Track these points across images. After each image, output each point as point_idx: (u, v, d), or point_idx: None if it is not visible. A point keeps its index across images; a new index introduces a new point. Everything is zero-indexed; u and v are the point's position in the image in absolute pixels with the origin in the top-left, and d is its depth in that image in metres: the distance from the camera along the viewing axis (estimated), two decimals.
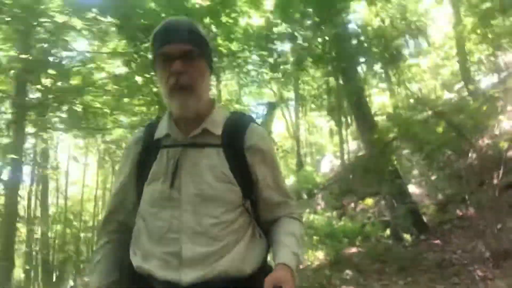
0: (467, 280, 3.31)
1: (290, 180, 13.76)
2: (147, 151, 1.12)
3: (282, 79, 6.52)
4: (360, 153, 9.35)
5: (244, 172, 1.06)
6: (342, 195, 9.54)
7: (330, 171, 12.83)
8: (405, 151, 8.06)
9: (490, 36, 8.50)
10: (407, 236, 5.07)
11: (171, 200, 1.02)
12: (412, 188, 8.39)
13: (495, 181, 5.81)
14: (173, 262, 0.98)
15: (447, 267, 3.77)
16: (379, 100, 13.45)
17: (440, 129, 5.60)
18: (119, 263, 1.11)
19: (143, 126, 1.23)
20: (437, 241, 4.80)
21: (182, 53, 1.02)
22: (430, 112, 5.76)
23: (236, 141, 1.08)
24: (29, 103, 6.11)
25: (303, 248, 1.08)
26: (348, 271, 3.75)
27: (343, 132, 11.59)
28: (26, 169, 10.89)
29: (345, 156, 11.38)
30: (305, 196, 10.79)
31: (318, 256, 4.71)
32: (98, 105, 6.48)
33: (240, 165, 1.06)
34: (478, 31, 8.05)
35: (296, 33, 5.48)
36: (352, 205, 8.79)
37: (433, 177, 7.90)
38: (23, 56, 5.19)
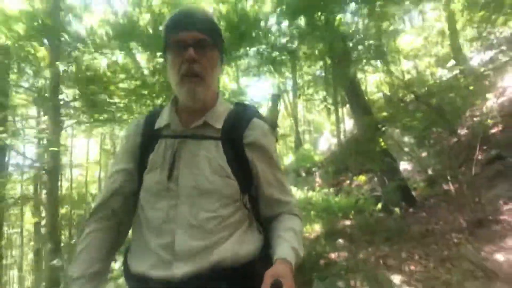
0: (444, 246, 3.79)
1: (289, 159, 14.20)
2: (146, 139, 1.12)
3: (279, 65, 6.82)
4: (355, 132, 9.74)
5: (242, 167, 1.06)
6: (338, 173, 10.02)
7: (328, 149, 13.27)
8: (397, 130, 8.50)
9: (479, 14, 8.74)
10: (396, 210, 5.54)
11: (169, 190, 1.02)
12: (404, 165, 8.87)
13: (479, 157, 6.30)
14: (166, 257, 0.98)
15: (428, 236, 4.25)
16: (376, 77, 13.75)
17: (420, 114, 6.00)
18: (105, 253, 1.08)
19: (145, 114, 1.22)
20: (423, 214, 5.28)
21: (196, 41, 1.02)
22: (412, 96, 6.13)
23: (236, 135, 1.07)
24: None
25: (302, 242, 1.07)
26: (340, 240, 4.24)
27: (340, 110, 11.93)
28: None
29: (342, 135, 11.80)
30: (303, 174, 11.26)
31: (316, 228, 5.19)
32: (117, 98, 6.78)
33: (238, 159, 1.06)
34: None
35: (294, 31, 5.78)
36: (348, 182, 9.27)
37: (423, 154, 8.36)
38: None
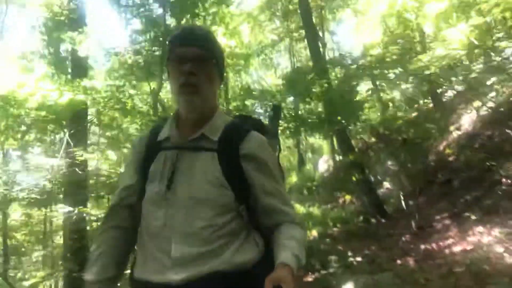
0: (396, 244, 5.81)
1: (292, 178, 16.21)
2: (149, 152, 1.20)
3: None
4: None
5: (238, 178, 1.11)
6: (334, 191, 12.05)
7: (326, 170, 15.31)
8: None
9: None
10: (373, 220, 7.58)
11: (167, 200, 1.09)
12: (387, 184, 10.91)
13: (437, 180, 8.36)
14: (165, 263, 1.04)
15: (389, 238, 6.28)
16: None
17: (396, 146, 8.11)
18: (118, 259, 1.17)
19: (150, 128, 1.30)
20: (391, 223, 7.30)
21: (195, 56, 1.11)
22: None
23: (232, 147, 1.13)
24: None
25: (304, 251, 1.07)
26: (328, 240, 6.29)
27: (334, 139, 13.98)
28: None
29: (337, 158, 13.85)
30: (305, 192, 13.28)
31: (313, 233, 7.24)
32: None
33: (234, 171, 1.11)
34: None
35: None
36: (341, 199, 11.29)
37: (401, 176, 10.39)
38: None
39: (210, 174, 1.09)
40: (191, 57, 1.11)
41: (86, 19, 7.64)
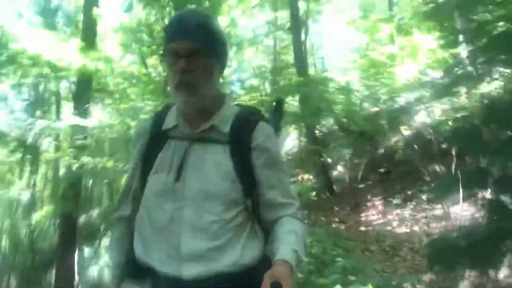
0: (336, 215, 7.57)
1: None
2: (154, 141, 1.15)
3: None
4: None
5: (248, 171, 1.10)
6: (295, 169, 13.79)
7: (291, 149, 17.04)
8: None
9: None
10: (323, 196, 9.33)
11: (175, 192, 1.07)
12: (340, 168, 12.76)
13: (379, 170, 10.21)
14: (174, 255, 1.04)
15: (331, 210, 8.04)
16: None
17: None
18: (127, 247, 1.17)
19: (151, 115, 1.27)
20: (336, 200, 9.09)
21: (188, 51, 1.03)
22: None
23: (244, 139, 1.11)
24: None
25: (305, 248, 1.08)
26: None
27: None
28: None
29: (302, 138, 15.54)
30: None
31: None
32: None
33: (244, 164, 1.10)
34: None
35: None
36: (301, 176, 13.06)
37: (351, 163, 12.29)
38: None
39: (222, 168, 1.08)
40: (184, 53, 1.04)
41: None
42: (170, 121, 1.16)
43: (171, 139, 1.13)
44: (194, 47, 1.04)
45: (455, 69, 4.60)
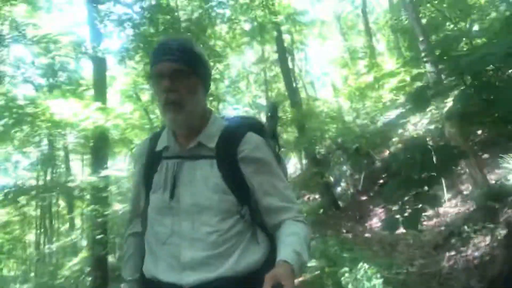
0: (342, 227, 8.29)
1: None
2: (150, 162, 1.24)
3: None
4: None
5: (238, 181, 1.15)
6: (300, 190, 14.54)
7: (294, 172, 17.82)
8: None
9: None
10: (329, 212, 10.05)
11: (171, 208, 1.15)
12: (343, 184, 13.51)
13: (379, 182, 10.98)
14: (175, 265, 1.11)
15: (338, 223, 8.76)
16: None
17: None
18: (140, 262, 1.25)
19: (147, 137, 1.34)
20: (342, 214, 9.81)
21: (172, 71, 1.10)
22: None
23: (229, 152, 1.16)
24: None
25: (308, 249, 1.09)
26: None
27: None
28: None
29: (303, 161, 16.36)
30: None
31: None
32: None
33: (233, 175, 1.14)
34: None
35: None
36: (307, 196, 13.78)
37: (353, 178, 13.05)
38: None
39: (211, 181, 1.13)
40: (168, 73, 1.10)
41: None
42: (162, 143, 1.24)
43: (164, 159, 1.21)
44: (176, 67, 1.11)
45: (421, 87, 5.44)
